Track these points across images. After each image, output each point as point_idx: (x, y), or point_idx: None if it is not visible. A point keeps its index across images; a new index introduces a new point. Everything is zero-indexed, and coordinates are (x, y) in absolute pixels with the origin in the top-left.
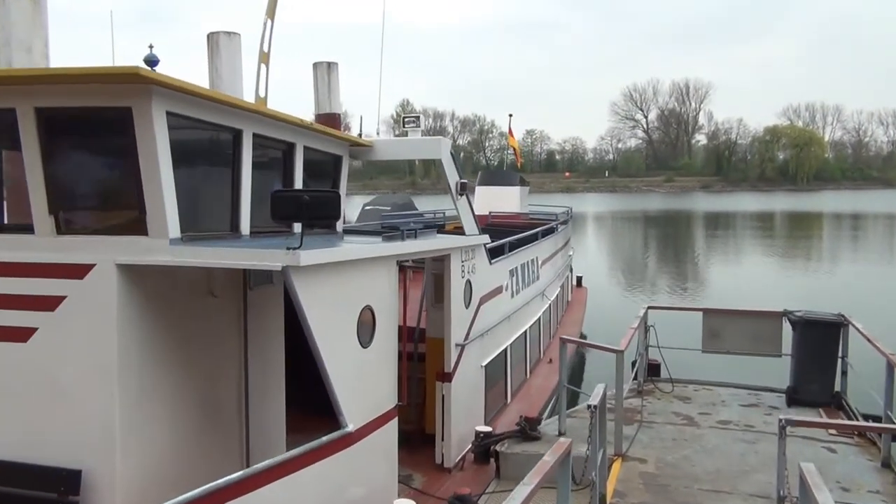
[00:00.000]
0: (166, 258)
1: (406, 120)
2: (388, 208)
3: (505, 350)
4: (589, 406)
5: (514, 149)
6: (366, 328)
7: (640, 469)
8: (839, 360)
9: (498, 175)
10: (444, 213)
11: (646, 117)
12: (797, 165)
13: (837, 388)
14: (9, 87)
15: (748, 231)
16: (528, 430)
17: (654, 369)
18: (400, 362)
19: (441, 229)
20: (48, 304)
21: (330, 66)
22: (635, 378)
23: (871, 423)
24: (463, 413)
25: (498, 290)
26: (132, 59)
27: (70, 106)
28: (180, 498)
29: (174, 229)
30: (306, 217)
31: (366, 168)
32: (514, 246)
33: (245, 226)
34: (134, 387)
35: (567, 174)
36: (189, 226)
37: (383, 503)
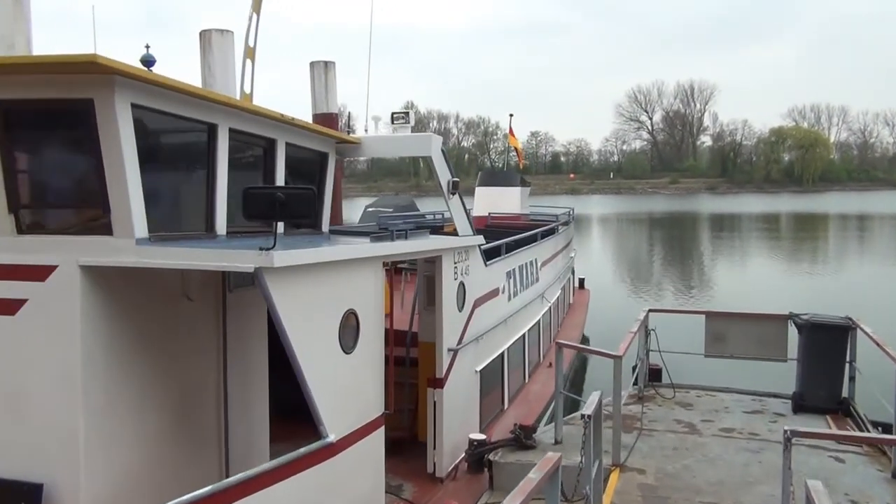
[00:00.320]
0: (132, 259)
1: (395, 116)
2: (391, 210)
3: (501, 354)
4: (582, 416)
5: (516, 149)
6: (349, 333)
7: (639, 480)
8: (847, 365)
9: (498, 175)
10: (442, 215)
11: (650, 119)
12: (802, 167)
13: (845, 393)
14: None
15: (753, 233)
16: (522, 439)
17: (654, 374)
18: (391, 367)
19: (439, 230)
20: (8, 307)
21: (327, 66)
22: (635, 383)
23: (881, 435)
24: (456, 420)
25: (494, 293)
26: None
27: (29, 98)
28: None
29: (141, 229)
30: (281, 215)
31: (370, 170)
32: (511, 247)
33: (221, 226)
34: (100, 396)
35: (572, 176)
36: (159, 225)
37: None
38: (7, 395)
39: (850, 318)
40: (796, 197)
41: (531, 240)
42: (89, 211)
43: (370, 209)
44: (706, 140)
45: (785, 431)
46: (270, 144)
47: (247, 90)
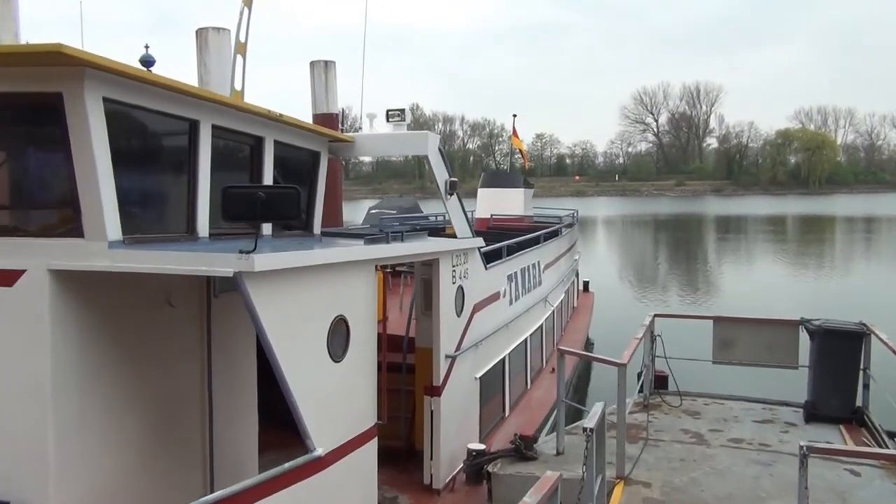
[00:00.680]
0: (104, 263)
1: (390, 113)
2: (394, 211)
3: (502, 360)
4: (585, 429)
5: (520, 150)
6: (338, 340)
7: (644, 494)
8: (860, 373)
9: (501, 177)
10: (444, 217)
11: (656, 121)
12: (809, 169)
13: (859, 402)
14: None
15: (760, 235)
16: (523, 450)
17: (660, 381)
18: (383, 374)
19: (440, 232)
20: None
21: (327, 65)
22: (641, 391)
23: None
24: (454, 429)
25: (494, 297)
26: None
27: None
28: None
29: (114, 231)
30: (262, 216)
31: (375, 172)
32: (513, 249)
33: (203, 228)
34: (72, 409)
35: (577, 178)
36: (135, 227)
37: None
38: None
39: (864, 324)
40: (803, 199)
41: (534, 242)
42: (59, 212)
43: (373, 211)
44: (712, 142)
45: (801, 447)
46: (258, 143)
47: (238, 87)
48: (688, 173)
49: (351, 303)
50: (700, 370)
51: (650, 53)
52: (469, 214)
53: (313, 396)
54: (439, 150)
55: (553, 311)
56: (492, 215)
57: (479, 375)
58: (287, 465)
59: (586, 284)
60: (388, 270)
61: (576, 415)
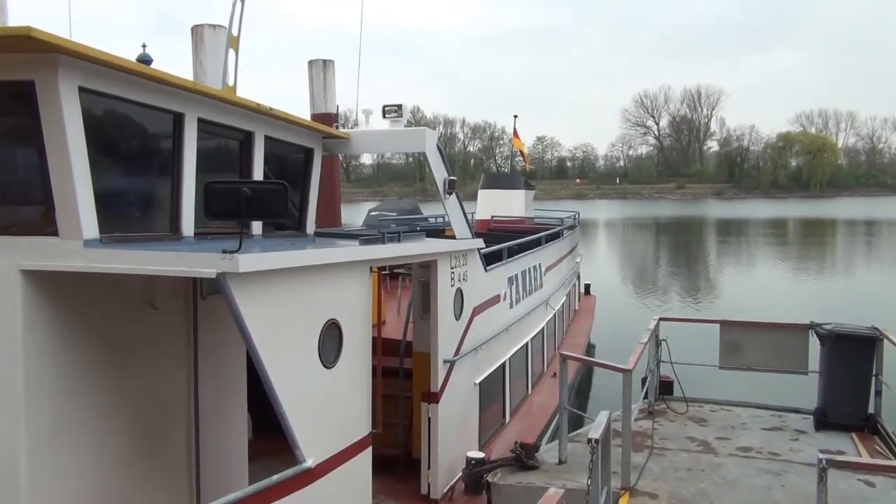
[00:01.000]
0: (78, 263)
1: (387, 109)
2: (394, 213)
3: (503, 365)
4: (590, 440)
5: (521, 151)
6: (330, 345)
7: None
8: (873, 379)
9: (502, 178)
10: (444, 218)
11: (657, 124)
12: (810, 172)
13: (871, 409)
14: None
15: (761, 238)
16: (524, 458)
17: (666, 387)
18: (378, 379)
19: (440, 234)
20: None
21: (325, 64)
22: (645, 397)
23: None
24: (452, 437)
25: (495, 300)
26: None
27: None
28: None
29: (90, 229)
30: (247, 213)
31: (376, 174)
32: (514, 251)
33: (188, 226)
34: (46, 418)
35: (578, 181)
36: (114, 226)
37: None
38: None
39: (877, 329)
40: (804, 202)
41: (535, 244)
42: (32, 209)
43: (373, 213)
44: (713, 145)
45: (820, 461)
46: (247, 137)
47: (230, 82)
48: (689, 176)
49: (344, 306)
50: (706, 375)
51: (651, 56)
52: (471, 216)
53: (303, 405)
54: (438, 147)
55: (554, 315)
56: (492, 217)
57: (478, 381)
58: (275, 478)
59: (588, 287)
60: (386, 273)
61: (578, 421)
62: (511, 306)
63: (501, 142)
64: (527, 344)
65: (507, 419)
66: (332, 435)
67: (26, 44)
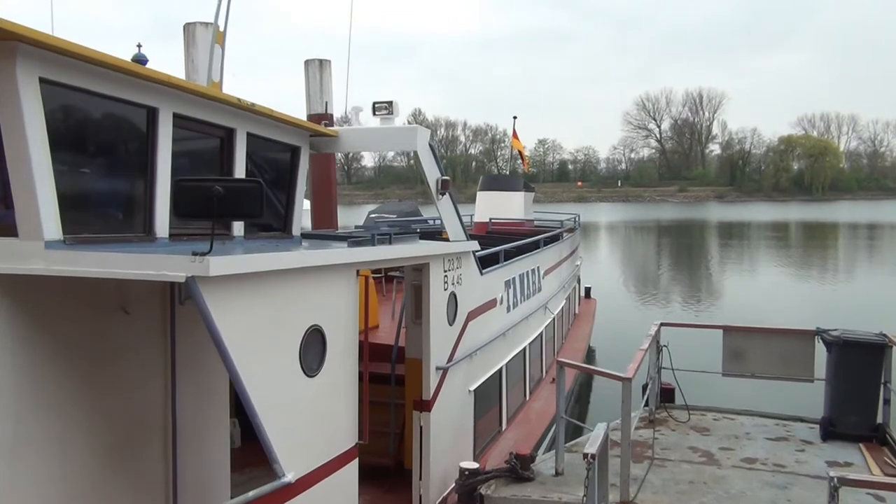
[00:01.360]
0: (38, 265)
1: (377, 106)
2: (394, 215)
3: (499, 371)
4: (586, 455)
5: (520, 151)
6: (313, 353)
7: None
8: (882, 387)
9: (500, 180)
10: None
11: (659, 127)
12: (812, 175)
13: (880, 419)
14: None
15: (763, 241)
16: (519, 470)
17: (667, 395)
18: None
19: (437, 236)
20: None
21: (322, 64)
22: (646, 405)
23: None
24: (445, 446)
25: (491, 304)
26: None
27: None
28: None
29: (52, 230)
30: (219, 213)
31: (377, 177)
32: (511, 254)
33: (162, 227)
34: (5, 430)
35: (579, 184)
36: (79, 226)
37: None
38: None
39: (886, 335)
40: (806, 206)
41: (533, 246)
42: None
43: (373, 215)
44: (715, 148)
45: (831, 479)
46: (228, 135)
47: (215, 78)
48: (690, 179)
49: (327, 311)
50: (709, 383)
51: (652, 60)
52: (471, 218)
53: (283, 416)
54: (430, 146)
55: (553, 319)
56: (490, 219)
57: (473, 388)
58: (251, 494)
59: (588, 291)
60: (379, 276)
61: (576, 428)
62: (508, 311)
63: (503, 144)
64: (525, 349)
65: (504, 427)
66: (315, 447)
67: None
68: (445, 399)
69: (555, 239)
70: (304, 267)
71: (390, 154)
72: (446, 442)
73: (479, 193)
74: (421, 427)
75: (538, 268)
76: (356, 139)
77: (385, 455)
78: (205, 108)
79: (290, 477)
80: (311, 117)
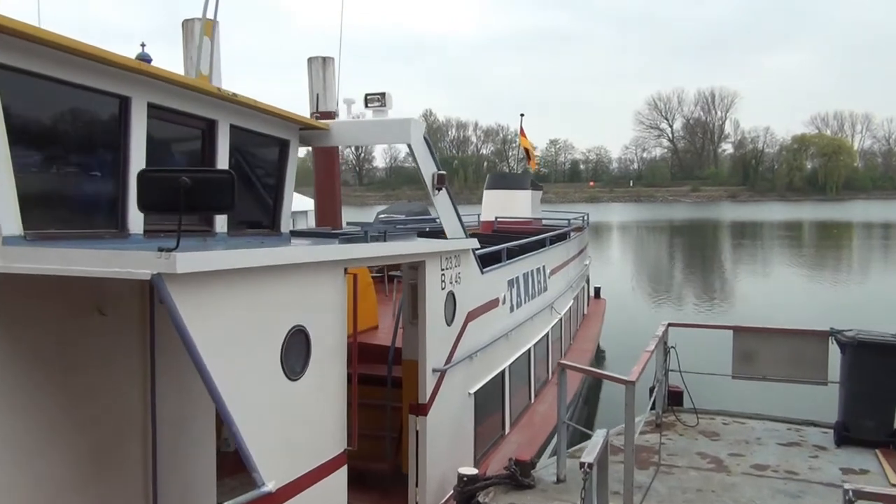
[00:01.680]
0: None
1: (369, 98)
2: (402, 216)
3: (501, 373)
4: (582, 464)
5: (527, 150)
6: (296, 355)
7: None
8: None
9: (507, 178)
10: None
11: (671, 126)
12: (826, 175)
13: None
14: None
15: (776, 241)
16: (519, 477)
17: (675, 397)
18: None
19: (440, 235)
20: None
21: (325, 61)
22: (653, 408)
23: None
24: (443, 451)
25: (493, 304)
26: None
27: None
28: None
29: (11, 225)
30: (186, 206)
31: (388, 178)
32: (515, 253)
33: (135, 224)
34: None
35: (591, 184)
36: (43, 221)
37: None
38: None
39: None
40: (820, 205)
41: (538, 245)
42: None
43: (382, 215)
44: (727, 148)
45: (846, 492)
46: (209, 127)
47: (204, 70)
48: (703, 179)
49: (312, 310)
50: (718, 385)
51: (664, 59)
52: (478, 217)
53: (262, 421)
54: (425, 139)
55: (560, 319)
56: (496, 218)
57: (473, 391)
58: None
59: (598, 291)
60: (381, 276)
61: (582, 434)
62: (511, 311)
63: (514, 144)
64: (529, 350)
65: (507, 431)
66: (298, 454)
67: None
68: (443, 402)
69: (561, 238)
70: (285, 264)
71: (402, 154)
72: (444, 446)
73: (485, 192)
74: (417, 431)
75: (544, 267)
76: (348, 132)
77: (382, 460)
78: (183, 98)
79: (270, 486)
80: (313, 115)
